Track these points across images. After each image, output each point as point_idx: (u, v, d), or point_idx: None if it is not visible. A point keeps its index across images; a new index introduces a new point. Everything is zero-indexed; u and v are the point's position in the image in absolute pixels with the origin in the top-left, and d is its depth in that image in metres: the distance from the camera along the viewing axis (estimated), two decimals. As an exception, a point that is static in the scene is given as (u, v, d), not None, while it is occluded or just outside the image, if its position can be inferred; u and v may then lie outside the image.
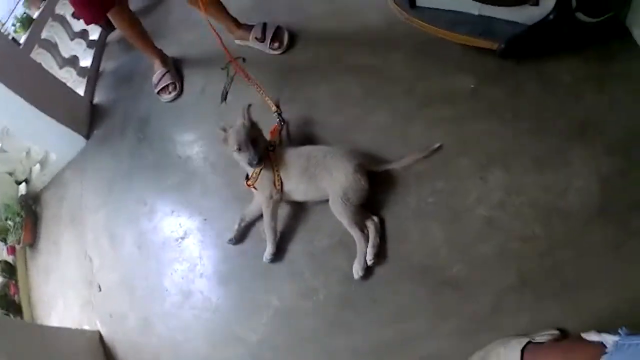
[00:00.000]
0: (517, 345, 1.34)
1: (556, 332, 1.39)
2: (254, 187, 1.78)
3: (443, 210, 1.65)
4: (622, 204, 1.51)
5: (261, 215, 1.81)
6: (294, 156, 1.76)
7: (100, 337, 2.10)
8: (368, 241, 1.63)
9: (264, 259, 1.75)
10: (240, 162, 1.77)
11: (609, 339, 0.94)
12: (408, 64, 1.94)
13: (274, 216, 1.76)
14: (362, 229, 1.65)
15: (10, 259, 2.66)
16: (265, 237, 1.77)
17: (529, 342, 1.34)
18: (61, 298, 2.38)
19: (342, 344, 1.61)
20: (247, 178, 1.80)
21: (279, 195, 1.76)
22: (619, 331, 0.93)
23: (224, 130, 1.74)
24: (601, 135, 1.62)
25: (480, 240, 1.58)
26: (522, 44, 1.73)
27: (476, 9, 1.74)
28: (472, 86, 1.82)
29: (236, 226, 1.86)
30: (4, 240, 2.62)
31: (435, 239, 1.62)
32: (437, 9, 1.81)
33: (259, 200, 1.80)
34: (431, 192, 1.68)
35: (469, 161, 1.69)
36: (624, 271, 1.44)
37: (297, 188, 1.75)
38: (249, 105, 1.76)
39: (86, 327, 2.17)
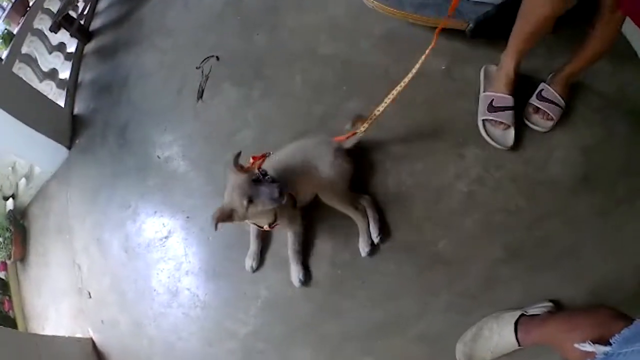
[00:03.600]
0: (510, 318, 1.26)
1: (550, 304, 1.32)
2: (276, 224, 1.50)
3: (423, 189, 1.56)
4: (607, 172, 1.45)
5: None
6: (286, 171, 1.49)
7: (94, 344, 1.96)
8: (367, 218, 1.53)
9: (296, 284, 1.56)
10: (253, 219, 1.43)
11: (600, 349, 0.86)
12: (379, 50, 1.84)
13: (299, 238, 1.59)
14: (357, 207, 1.54)
15: (2, 274, 2.50)
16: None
17: (522, 315, 1.26)
18: (53, 309, 2.22)
19: (333, 329, 1.50)
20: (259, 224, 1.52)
21: (298, 212, 1.57)
22: (611, 341, 0.86)
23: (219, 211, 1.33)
24: (580, 106, 1.54)
25: (462, 215, 1.49)
26: (492, 23, 1.64)
27: (443, -8, 1.66)
28: (444, 67, 1.73)
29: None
30: (-5, 257, 2.44)
31: (418, 217, 1.53)
32: (405, -6, 1.71)
33: (287, 230, 1.58)
34: (410, 172, 1.58)
35: (445, 140, 1.60)
36: (613, 239, 1.37)
37: (304, 197, 1.55)
38: (237, 155, 1.32)
39: (79, 336, 2.01)
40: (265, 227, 1.48)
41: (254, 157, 1.34)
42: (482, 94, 1.62)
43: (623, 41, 1.61)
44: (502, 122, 1.54)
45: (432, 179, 1.55)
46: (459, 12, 1.64)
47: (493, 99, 1.56)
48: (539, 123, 1.55)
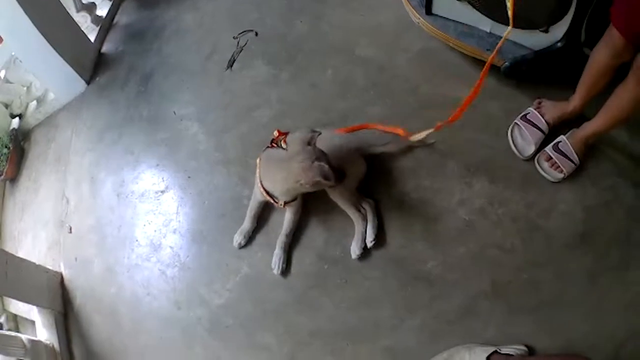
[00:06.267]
0: (482, 353, 1.18)
1: (524, 348, 1.23)
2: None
3: (425, 206, 1.48)
4: (603, 236, 1.37)
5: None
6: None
7: (62, 279, 1.84)
8: (366, 222, 1.44)
9: (275, 270, 1.46)
10: (295, 187, 1.33)
11: None
12: (414, 65, 1.76)
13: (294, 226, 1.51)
14: (359, 209, 1.46)
15: (-12, 188, 2.34)
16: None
17: (494, 352, 1.17)
18: (31, 235, 2.09)
19: (304, 322, 1.41)
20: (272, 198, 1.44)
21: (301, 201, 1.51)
22: None
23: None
24: (591, 167, 1.47)
25: (457, 242, 1.41)
26: (526, 67, 1.57)
27: (488, 27, 1.61)
28: (472, 97, 1.65)
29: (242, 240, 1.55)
30: (-13, 170, 2.29)
31: (414, 232, 1.45)
32: (452, 19, 1.65)
33: (290, 211, 1.51)
34: (416, 187, 1.50)
35: (456, 165, 1.53)
36: (596, 303, 1.29)
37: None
38: (319, 133, 1.35)
39: (49, 267, 1.87)
40: (281, 202, 1.43)
41: (279, 131, 1.46)
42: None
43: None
44: (527, 135, 1.51)
45: (436, 199, 1.47)
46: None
47: (529, 113, 1.54)
48: (549, 172, 1.48)
